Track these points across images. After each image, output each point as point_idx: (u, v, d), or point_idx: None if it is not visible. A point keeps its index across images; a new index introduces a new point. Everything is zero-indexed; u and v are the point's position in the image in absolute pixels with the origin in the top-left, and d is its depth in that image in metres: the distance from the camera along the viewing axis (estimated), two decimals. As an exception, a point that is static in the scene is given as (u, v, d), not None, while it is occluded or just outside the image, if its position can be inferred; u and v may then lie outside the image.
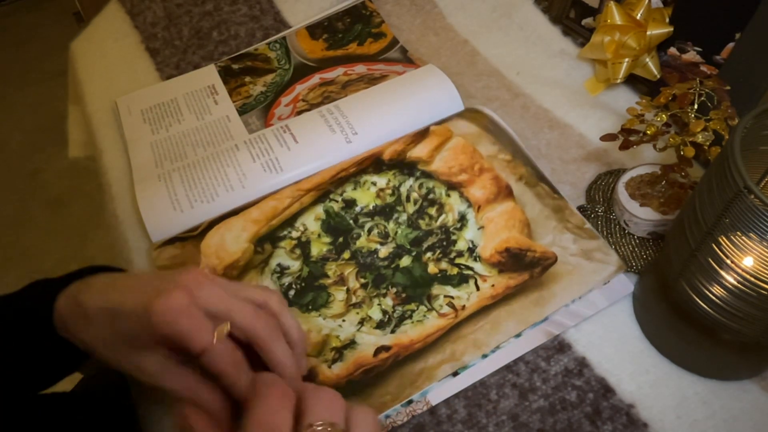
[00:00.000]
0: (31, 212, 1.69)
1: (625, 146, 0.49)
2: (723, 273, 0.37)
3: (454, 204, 0.54)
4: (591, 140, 0.58)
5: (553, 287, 0.48)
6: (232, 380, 0.35)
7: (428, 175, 0.56)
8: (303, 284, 0.50)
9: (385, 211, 0.54)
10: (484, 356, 0.46)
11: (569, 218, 0.52)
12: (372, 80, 0.65)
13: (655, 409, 0.43)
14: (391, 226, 0.53)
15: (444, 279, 0.50)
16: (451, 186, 0.55)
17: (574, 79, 0.64)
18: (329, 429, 0.30)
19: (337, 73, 0.68)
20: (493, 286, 0.49)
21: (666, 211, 0.49)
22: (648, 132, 0.48)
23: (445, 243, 0.51)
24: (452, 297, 0.49)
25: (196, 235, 0.53)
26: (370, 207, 0.54)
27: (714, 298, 0.38)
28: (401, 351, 0.46)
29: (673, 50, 0.57)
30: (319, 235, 0.53)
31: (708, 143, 0.46)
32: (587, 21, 0.65)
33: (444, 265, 0.50)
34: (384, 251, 0.51)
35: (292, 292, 0.50)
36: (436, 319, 0.48)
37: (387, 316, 0.48)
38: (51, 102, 1.88)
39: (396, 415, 0.44)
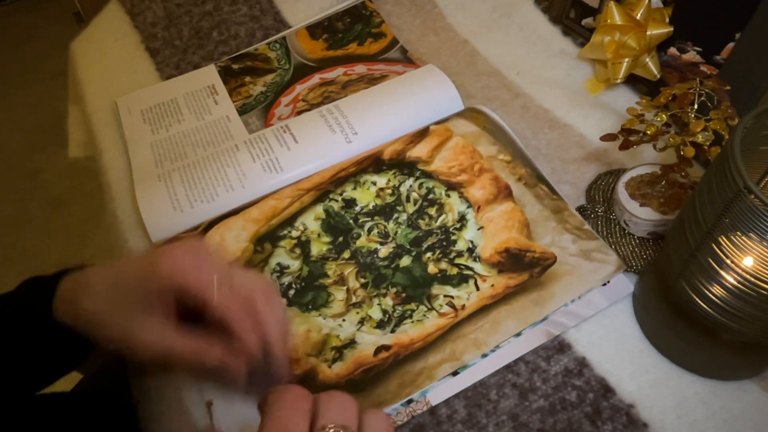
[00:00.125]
0: (31, 212, 1.69)
1: (625, 146, 0.49)
2: (723, 273, 0.37)
3: (454, 204, 0.54)
4: (591, 140, 0.58)
5: (553, 287, 0.48)
6: (240, 326, 0.38)
7: (428, 175, 0.56)
8: (303, 284, 0.50)
9: (385, 211, 0.54)
10: (484, 356, 0.46)
11: (568, 219, 0.52)
12: (372, 80, 0.65)
13: (655, 409, 0.43)
14: (390, 225, 0.53)
15: (444, 279, 0.50)
16: (451, 186, 0.55)
17: (574, 79, 0.64)
18: (341, 431, 0.31)
19: (337, 73, 0.68)
20: (492, 285, 0.49)
21: (666, 211, 0.49)
22: (648, 132, 0.48)
23: (444, 243, 0.51)
24: (452, 297, 0.49)
25: (196, 235, 0.53)
26: (370, 207, 0.54)
27: (714, 298, 0.38)
28: (401, 350, 0.46)
29: (673, 50, 0.57)
30: (318, 235, 0.53)
31: (708, 143, 0.46)
32: (587, 21, 0.65)
33: (444, 265, 0.50)
34: (384, 251, 0.51)
35: (291, 292, 0.50)
36: (436, 318, 0.48)
37: (387, 316, 0.48)
38: (51, 102, 1.88)
39: (396, 415, 0.44)
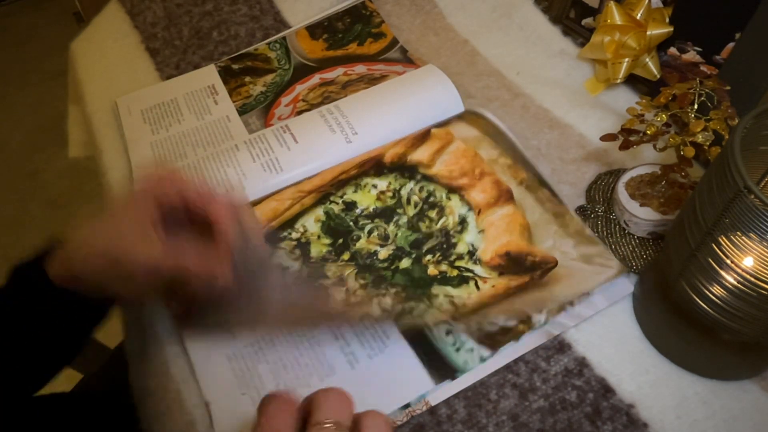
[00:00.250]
0: (31, 212, 1.69)
1: (625, 146, 0.49)
2: (723, 273, 0.37)
3: (455, 207, 0.54)
4: (591, 140, 0.58)
5: (553, 288, 0.48)
6: (219, 214, 0.42)
7: (429, 179, 0.56)
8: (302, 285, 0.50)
9: (385, 214, 0.54)
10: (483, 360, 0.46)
11: (569, 223, 0.52)
12: (372, 80, 0.65)
13: (655, 409, 0.43)
14: (391, 228, 0.53)
15: (444, 280, 0.50)
16: (452, 189, 0.55)
17: (574, 79, 0.64)
18: (334, 428, 0.31)
19: (337, 73, 0.68)
20: (493, 286, 0.49)
21: (666, 211, 0.49)
22: (648, 132, 0.48)
23: (445, 246, 0.51)
24: (452, 296, 0.49)
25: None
26: (371, 209, 0.54)
27: (714, 298, 0.38)
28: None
29: (673, 50, 0.57)
30: (318, 237, 0.53)
31: (708, 143, 0.46)
32: (587, 21, 0.65)
33: (444, 267, 0.50)
34: (384, 253, 0.51)
35: (292, 293, 0.50)
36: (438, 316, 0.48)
37: (387, 314, 0.48)
38: (51, 102, 1.87)
39: (395, 415, 0.44)
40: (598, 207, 0.53)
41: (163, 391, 0.47)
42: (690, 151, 0.46)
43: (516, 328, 0.46)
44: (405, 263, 0.51)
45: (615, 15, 0.58)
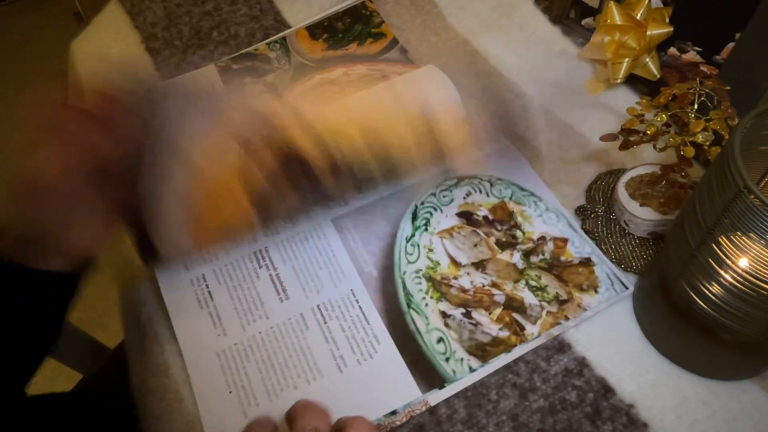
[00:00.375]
0: (31, 212, 1.69)
1: (625, 146, 0.49)
2: (723, 273, 0.37)
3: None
4: (591, 140, 0.58)
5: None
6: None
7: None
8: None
9: None
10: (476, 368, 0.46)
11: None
12: (372, 80, 0.65)
13: (655, 409, 0.43)
14: None
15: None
16: None
17: (574, 79, 0.64)
18: None
19: (337, 73, 0.67)
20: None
21: (666, 211, 0.49)
22: (648, 132, 0.48)
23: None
24: (452, 297, 0.49)
25: None
26: None
27: (714, 298, 0.38)
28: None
29: (673, 50, 0.57)
30: None
31: (708, 143, 0.46)
32: (587, 21, 0.65)
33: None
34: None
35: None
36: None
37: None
38: (51, 102, 1.87)
39: (381, 421, 0.44)
40: (598, 207, 0.53)
41: (163, 391, 0.47)
42: (690, 151, 0.46)
43: (508, 339, 0.46)
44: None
45: (615, 15, 0.58)
